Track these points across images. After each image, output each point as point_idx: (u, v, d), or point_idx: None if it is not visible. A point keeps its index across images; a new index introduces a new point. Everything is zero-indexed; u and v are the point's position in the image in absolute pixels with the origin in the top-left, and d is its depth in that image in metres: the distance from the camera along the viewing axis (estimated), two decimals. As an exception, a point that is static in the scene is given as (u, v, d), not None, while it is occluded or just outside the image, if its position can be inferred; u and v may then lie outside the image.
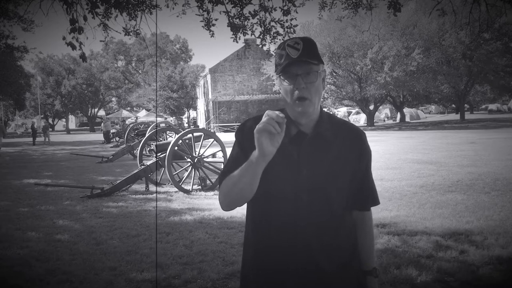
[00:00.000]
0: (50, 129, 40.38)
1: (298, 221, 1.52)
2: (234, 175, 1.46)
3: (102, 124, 32.17)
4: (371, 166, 1.69)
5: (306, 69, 1.49)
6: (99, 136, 29.65)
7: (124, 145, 17.95)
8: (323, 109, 1.64)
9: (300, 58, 1.47)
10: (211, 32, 6.00)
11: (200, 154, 9.00)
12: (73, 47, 4.63)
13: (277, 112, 1.32)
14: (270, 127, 1.30)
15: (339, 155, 1.57)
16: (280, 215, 1.53)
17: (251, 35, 6.23)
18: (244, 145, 1.57)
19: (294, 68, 1.48)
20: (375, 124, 37.18)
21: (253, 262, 1.61)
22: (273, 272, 1.55)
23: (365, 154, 1.64)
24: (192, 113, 57.49)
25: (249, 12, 5.83)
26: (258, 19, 5.86)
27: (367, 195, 1.67)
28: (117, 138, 26.38)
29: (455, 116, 42.79)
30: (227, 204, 1.54)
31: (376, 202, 1.70)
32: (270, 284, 1.56)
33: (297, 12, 5.77)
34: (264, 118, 1.32)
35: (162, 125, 19.24)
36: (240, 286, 1.70)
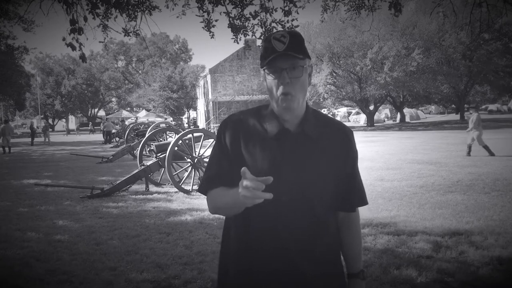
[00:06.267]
0: (50, 129, 40.39)
1: (277, 223, 1.46)
2: (218, 199, 1.49)
3: (102, 124, 32.04)
4: (357, 165, 1.62)
5: (291, 64, 1.43)
6: (99, 137, 29.62)
7: (124, 145, 17.95)
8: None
9: (286, 52, 1.42)
10: (211, 33, 5.99)
11: (200, 155, 9.00)
12: (73, 48, 4.63)
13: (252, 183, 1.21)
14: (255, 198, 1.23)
15: (324, 155, 1.51)
16: (259, 216, 1.47)
17: (252, 36, 6.22)
18: (224, 142, 1.55)
19: (279, 62, 1.43)
20: (375, 124, 37.17)
21: (233, 262, 1.56)
22: (253, 274, 1.50)
23: (351, 154, 1.58)
24: (192, 114, 57.49)
25: (250, 13, 5.83)
26: (259, 20, 5.86)
27: (353, 195, 1.60)
28: (117, 139, 26.39)
29: (455, 117, 42.76)
30: (215, 213, 1.57)
31: (363, 202, 1.63)
32: (250, 286, 1.51)
33: (298, 13, 5.77)
34: (246, 192, 1.22)
35: (162, 125, 19.24)
36: (218, 284, 1.65)
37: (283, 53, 1.42)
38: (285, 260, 1.47)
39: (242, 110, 1.63)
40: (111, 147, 22.91)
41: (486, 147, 12.32)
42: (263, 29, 5.88)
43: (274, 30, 5.88)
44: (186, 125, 48.34)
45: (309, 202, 1.48)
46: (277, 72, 1.45)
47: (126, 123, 32.16)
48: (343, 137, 1.57)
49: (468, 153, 12.37)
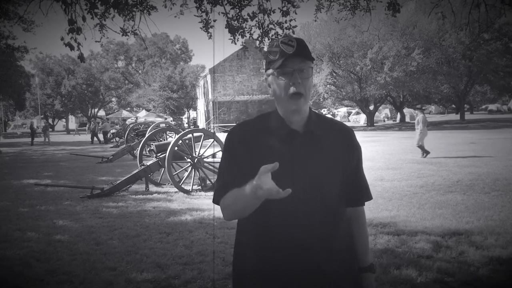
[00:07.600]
0: (50, 129, 40.39)
1: (295, 221, 1.50)
2: (232, 201, 1.47)
3: (92, 123, 31.41)
4: (362, 162, 1.70)
5: (301, 65, 1.51)
6: (100, 137, 29.52)
7: (124, 145, 17.96)
8: (312, 109, 1.65)
9: (296, 54, 1.49)
10: (209, 34, 5.97)
11: (200, 154, 9.00)
12: (71, 48, 4.61)
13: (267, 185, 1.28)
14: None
15: (331, 152, 1.57)
16: (277, 216, 1.51)
17: (250, 38, 6.19)
18: (234, 150, 1.57)
19: (290, 64, 1.50)
20: (375, 124, 37.17)
21: (251, 263, 1.58)
22: (273, 273, 1.52)
23: (355, 150, 1.65)
24: (192, 114, 57.50)
25: (248, 14, 5.81)
26: (256, 21, 5.85)
27: (361, 190, 1.68)
28: (117, 138, 26.38)
29: (455, 116, 42.74)
30: (231, 219, 1.55)
31: (369, 197, 1.71)
32: (270, 286, 1.53)
33: (296, 13, 5.75)
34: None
35: (162, 125, 19.24)
36: (234, 286, 1.67)
37: (294, 55, 1.49)
38: (306, 257, 1.51)
39: (244, 121, 1.67)
40: (111, 147, 22.89)
41: (421, 147, 12.61)
42: (261, 31, 5.87)
43: (272, 32, 5.87)
44: (186, 125, 48.33)
45: (322, 198, 1.54)
46: (287, 74, 1.51)
47: (127, 122, 32.12)
48: (345, 134, 1.65)
49: (426, 154, 12.43)
